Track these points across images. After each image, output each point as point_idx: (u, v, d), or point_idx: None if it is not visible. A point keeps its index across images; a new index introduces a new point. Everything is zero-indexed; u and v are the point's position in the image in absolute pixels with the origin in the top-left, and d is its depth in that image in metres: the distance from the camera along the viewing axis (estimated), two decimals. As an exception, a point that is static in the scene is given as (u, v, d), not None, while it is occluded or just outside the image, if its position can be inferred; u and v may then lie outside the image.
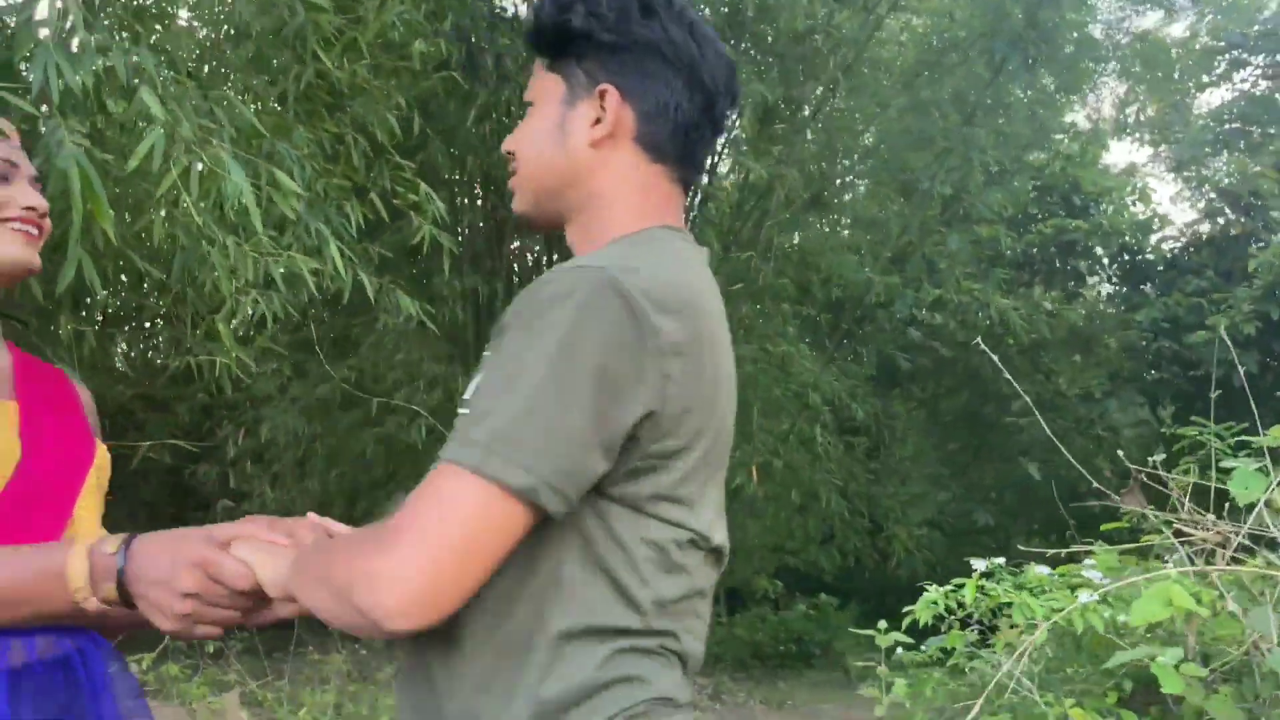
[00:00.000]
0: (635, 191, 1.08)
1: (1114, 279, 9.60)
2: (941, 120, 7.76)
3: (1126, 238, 9.15)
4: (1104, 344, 8.14)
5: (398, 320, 4.23)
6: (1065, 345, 8.26)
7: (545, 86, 1.10)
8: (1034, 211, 9.10)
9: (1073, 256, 8.95)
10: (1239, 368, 4.16)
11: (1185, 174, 12.75)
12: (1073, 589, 2.54)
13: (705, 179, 7.96)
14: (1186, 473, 2.55)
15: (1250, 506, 2.40)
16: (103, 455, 1.21)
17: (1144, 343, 7.86)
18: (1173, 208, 17.27)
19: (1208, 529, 2.33)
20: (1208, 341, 6.64)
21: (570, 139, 1.07)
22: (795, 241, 8.00)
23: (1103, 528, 2.70)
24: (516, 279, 7.80)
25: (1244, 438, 2.51)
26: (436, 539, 0.84)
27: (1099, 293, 9.85)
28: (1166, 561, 2.33)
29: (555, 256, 7.59)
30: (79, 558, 0.98)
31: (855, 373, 7.83)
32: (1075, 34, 7.84)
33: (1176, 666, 1.79)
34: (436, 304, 6.20)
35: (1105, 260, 9.34)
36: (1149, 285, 8.75)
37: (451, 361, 6.98)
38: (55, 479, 1.12)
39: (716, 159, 7.79)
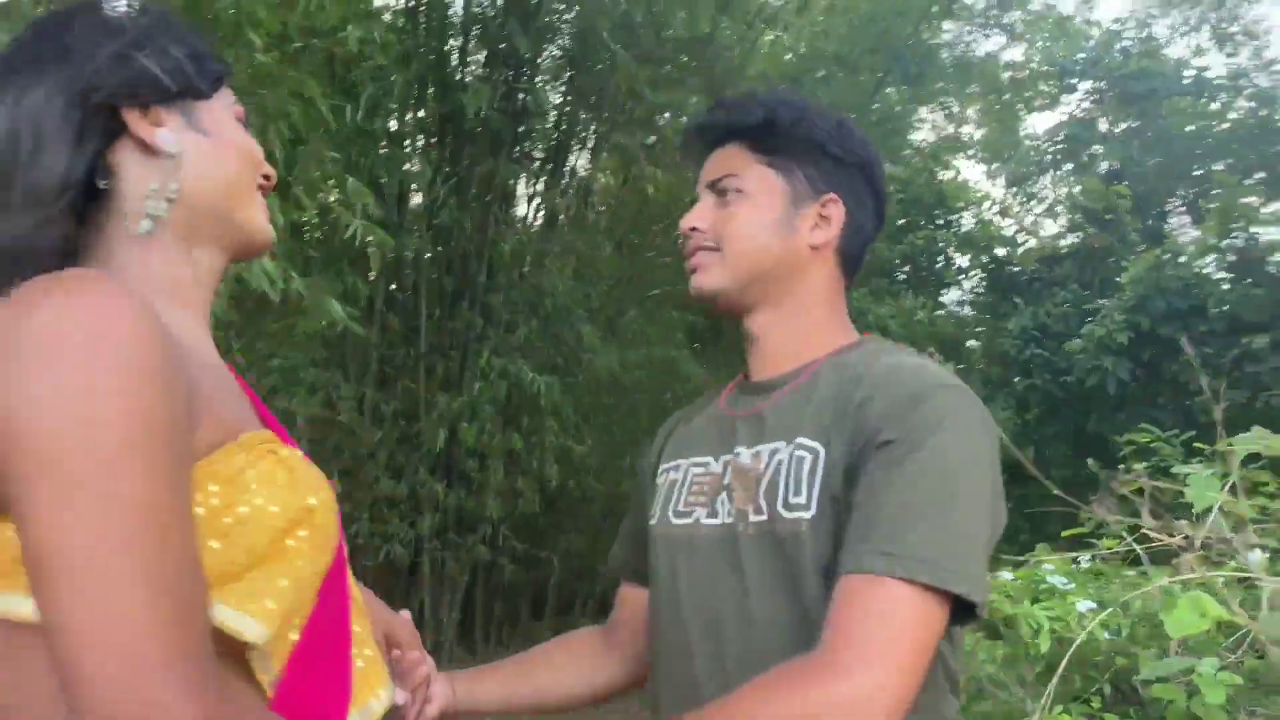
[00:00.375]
0: (833, 298, 1.16)
1: (980, 289, 10.18)
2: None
3: (998, 250, 9.71)
4: (972, 351, 8.59)
5: (320, 325, 3.96)
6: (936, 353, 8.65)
7: (763, 179, 1.13)
8: (900, 221, 9.51)
9: (939, 266, 9.41)
10: (1113, 375, 4.48)
11: (1013, 190, 13.69)
12: (1037, 595, 2.62)
13: (587, 183, 7.91)
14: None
15: (1206, 512, 2.54)
16: None
17: (1014, 350, 8.36)
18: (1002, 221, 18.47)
19: (1173, 535, 2.45)
20: (1082, 349, 7.14)
21: (797, 236, 1.12)
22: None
23: (1064, 534, 2.80)
24: (395, 284, 7.50)
25: (1198, 445, 2.67)
26: (900, 654, 0.86)
27: (965, 301, 10.43)
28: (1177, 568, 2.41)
29: (414, 255, 7.31)
30: None
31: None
32: (946, 55, 8.24)
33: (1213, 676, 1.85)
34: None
35: (971, 271, 9.89)
36: (1016, 295, 9.31)
37: (330, 367, 6.64)
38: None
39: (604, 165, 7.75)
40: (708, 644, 1.04)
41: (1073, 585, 2.55)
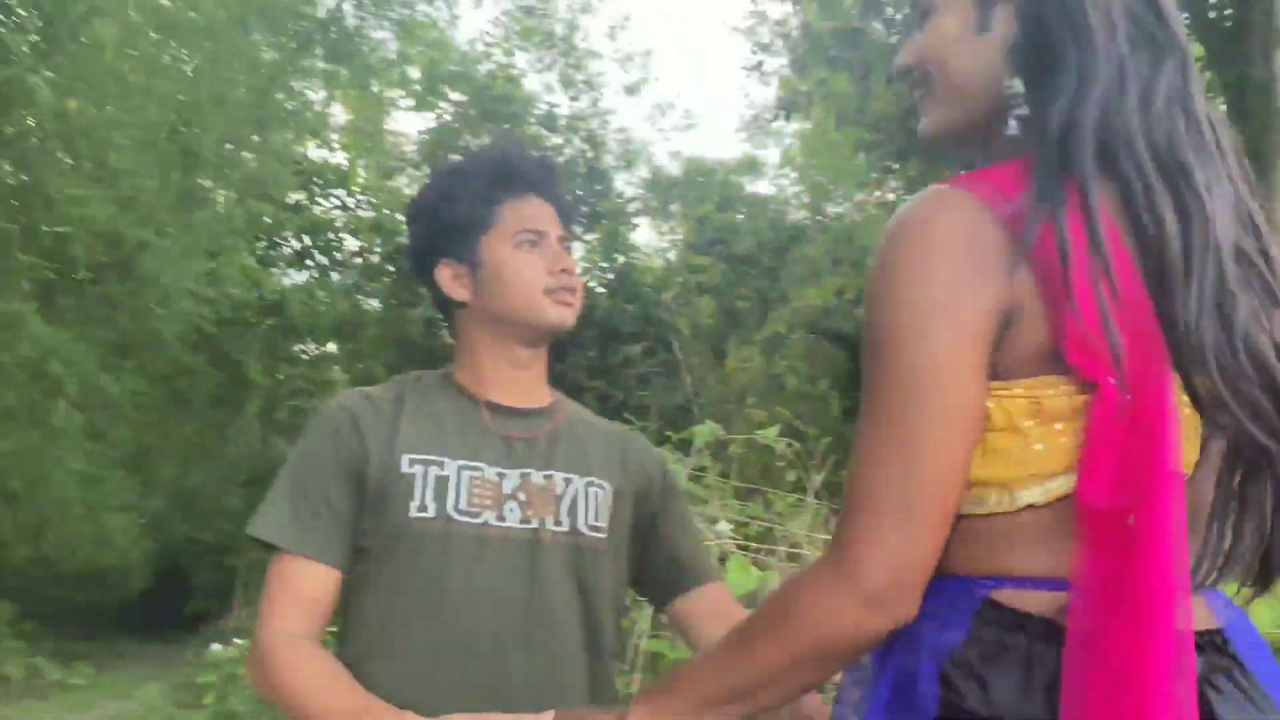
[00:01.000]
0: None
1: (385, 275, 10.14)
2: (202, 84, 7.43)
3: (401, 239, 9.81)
4: (374, 334, 8.58)
5: None
6: (333, 332, 8.48)
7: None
8: (294, 200, 9.12)
9: (331, 246, 9.24)
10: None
11: (389, 183, 14.15)
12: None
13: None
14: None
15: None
16: None
17: (421, 338, 8.55)
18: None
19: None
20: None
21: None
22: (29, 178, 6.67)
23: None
24: None
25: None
26: None
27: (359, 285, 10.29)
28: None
29: None
30: None
31: (107, 339, 6.84)
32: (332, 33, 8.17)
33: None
34: None
35: (370, 254, 9.84)
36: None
37: None
38: None
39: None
40: (508, 637, 1.19)
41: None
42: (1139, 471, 0.73)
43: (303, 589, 1.18)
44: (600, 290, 9.08)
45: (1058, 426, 0.77)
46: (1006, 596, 0.78)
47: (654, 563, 1.40)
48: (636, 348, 7.00)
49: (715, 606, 1.37)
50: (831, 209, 12.77)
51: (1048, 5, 0.84)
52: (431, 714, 1.06)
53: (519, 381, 1.34)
